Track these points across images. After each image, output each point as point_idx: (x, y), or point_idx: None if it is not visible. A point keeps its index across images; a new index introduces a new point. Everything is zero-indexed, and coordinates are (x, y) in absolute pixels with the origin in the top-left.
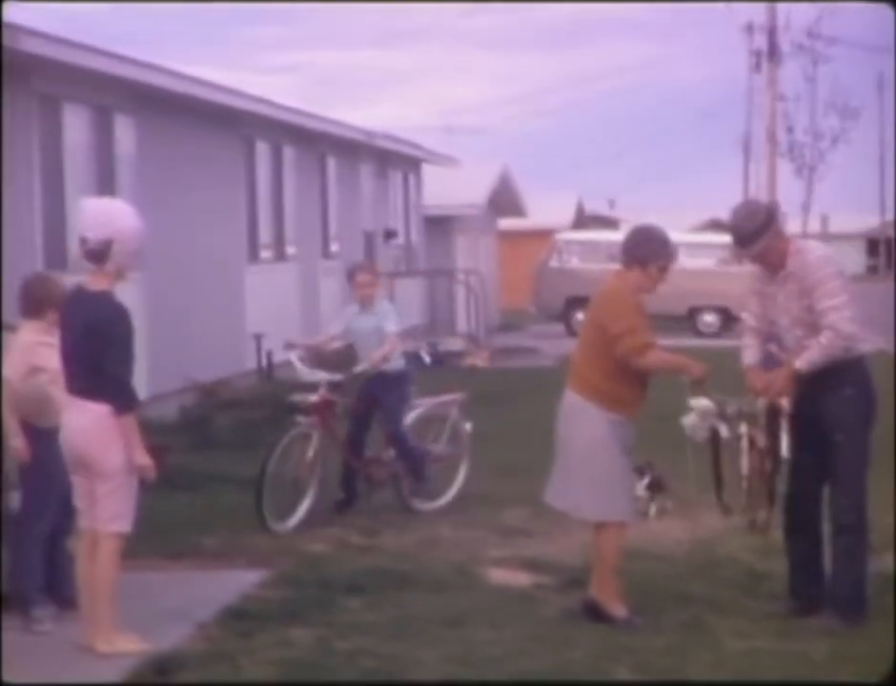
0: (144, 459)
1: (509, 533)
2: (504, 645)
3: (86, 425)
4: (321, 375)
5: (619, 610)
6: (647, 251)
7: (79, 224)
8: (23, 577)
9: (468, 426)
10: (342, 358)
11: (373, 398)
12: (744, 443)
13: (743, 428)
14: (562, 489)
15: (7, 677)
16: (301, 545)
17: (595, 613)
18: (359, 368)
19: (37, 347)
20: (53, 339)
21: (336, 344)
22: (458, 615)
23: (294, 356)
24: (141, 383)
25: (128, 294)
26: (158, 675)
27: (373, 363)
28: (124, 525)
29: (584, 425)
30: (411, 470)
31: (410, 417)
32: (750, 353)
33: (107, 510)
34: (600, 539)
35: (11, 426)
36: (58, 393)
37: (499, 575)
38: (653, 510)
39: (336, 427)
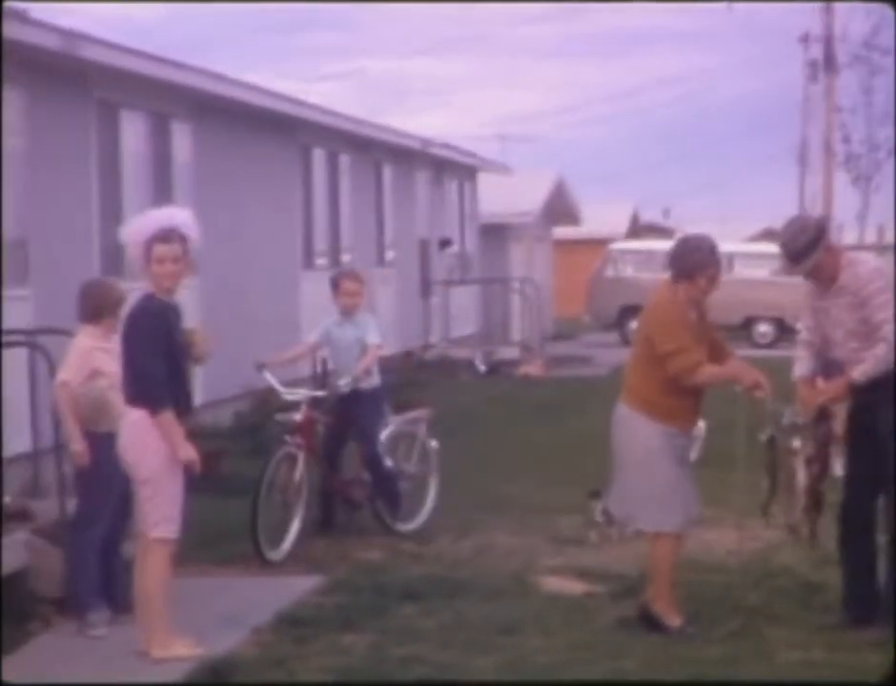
0: (188, 453)
1: (563, 541)
2: (557, 653)
3: (125, 431)
4: (302, 392)
5: (673, 620)
6: (695, 262)
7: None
8: (79, 581)
9: (434, 443)
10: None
11: (347, 415)
12: (800, 456)
13: (798, 441)
14: (619, 499)
15: (7, 678)
16: (356, 552)
17: (649, 622)
18: (343, 382)
19: (95, 352)
20: (111, 345)
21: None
22: (512, 622)
23: (269, 376)
24: (197, 389)
25: (183, 300)
26: (213, 679)
27: (356, 375)
28: (169, 530)
29: (637, 437)
30: (386, 490)
31: (383, 435)
32: (802, 365)
33: (150, 515)
34: (655, 550)
35: (72, 430)
36: (116, 398)
37: (553, 584)
38: (593, 537)
39: (318, 446)
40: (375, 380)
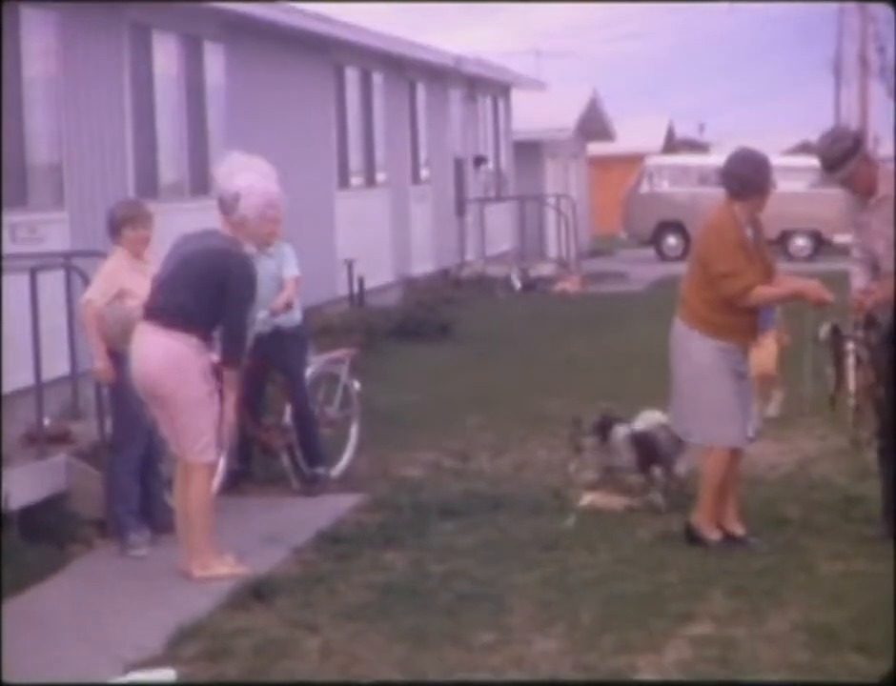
0: (231, 417)
1: None
2: (599, 568)
3: (163, 355)
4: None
5: (712, 533)
6: (749, 177)
7: (217, 174)
8: (117, 502)
9: (357, 385)
10: None
11: (267, 357)
12: (852, 360)
13: (850, 345)
14: (677, 415)
15: (6, 678)
16: (395, 469)
17: (690, 535)
18: (260, 316)
19: (124, 271)
20: (142, 264)
21: None
22: (553, 538)
23: None
24: None
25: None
26: (254, 598)
27: (274, 310)
28: (211, 454)
29: (691, 353)
30: (308, 436)
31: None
32: (857, 280)
33: (192, 439)
34: (706, 463)
35: (96, 348)
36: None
37: (594, 498)
38: (573, 467)
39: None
40: (297, 317)
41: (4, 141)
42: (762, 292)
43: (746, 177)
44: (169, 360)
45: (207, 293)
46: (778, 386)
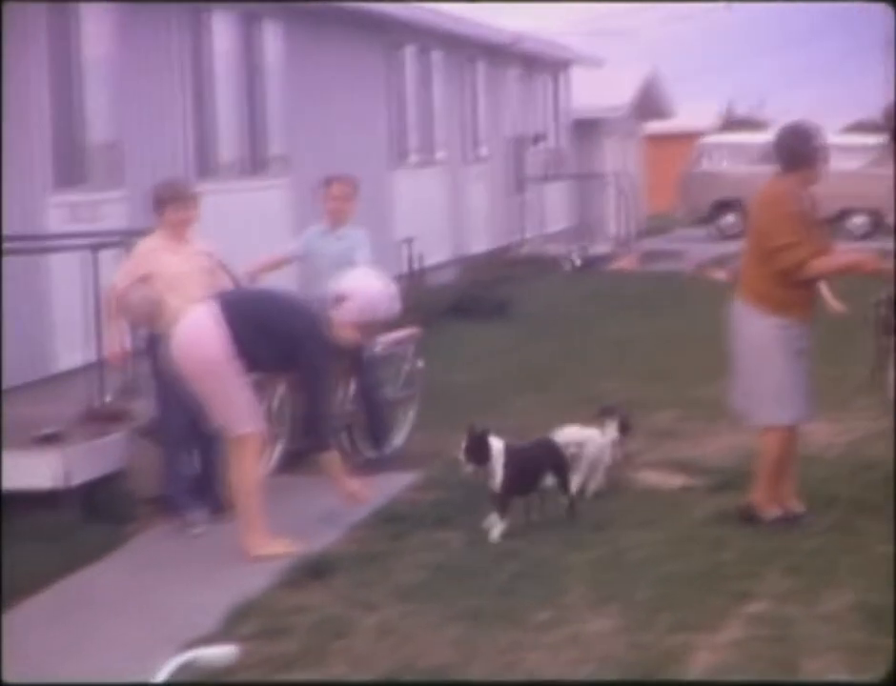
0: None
1: (660, 435)
2: (654, 547)
3: (190, 333)
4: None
5: (768, 512)
6: (802, 150)
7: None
8: (172, 481)
9: (421, 364)
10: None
11: None
12: None
13: None
14: (739, 394)
15: (6, 678)
16: (450, 449)
17: (746, 514)
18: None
19: (156, 253)
20: (181, 245)
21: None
22: (608, 517)
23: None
24: (291, 288)
25: (276, 199)
26: (311, 577)
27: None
28: (251, 425)
29: (749, 330)
30: (372, 417)
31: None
32: None
33: (232, 413)
34: (764, 442)
35: (111, 333)
36: (175, 299)
37: (649, 478)
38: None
39: None
40: None
41: (63, 120)
42: (819, 263)
43: (795, 148)
44: (198, 332)
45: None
46: None
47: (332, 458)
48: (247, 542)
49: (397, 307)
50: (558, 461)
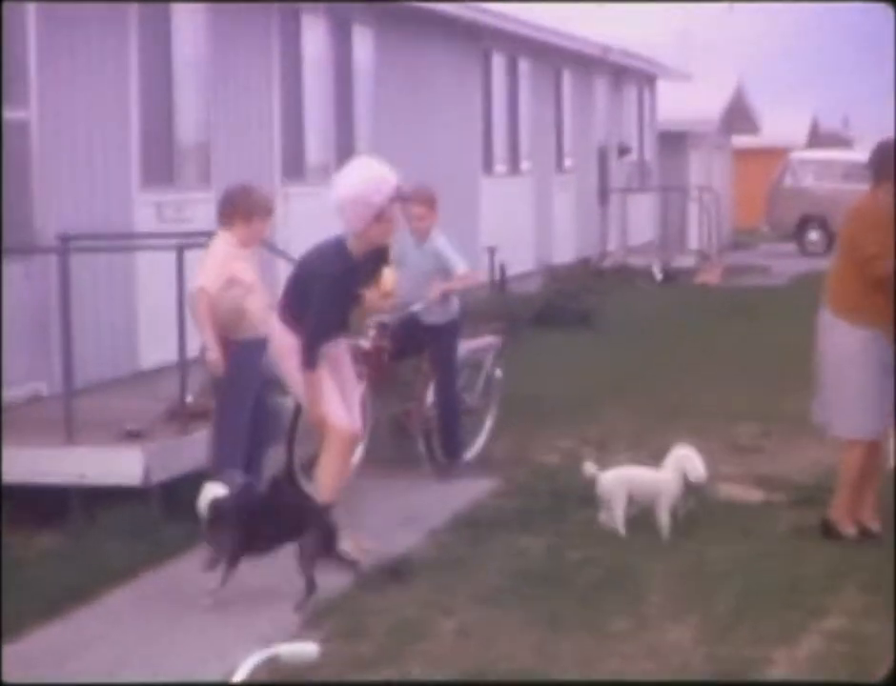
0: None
1: (741, 448)
2: (735, 561)
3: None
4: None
5: (847, 528)
6: (892, 164)
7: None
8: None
9: (499, 373)
10: None
11: (421, 347)
12: None
13: None
14: (821, 406)
15: (6, 678)
16: (533, 455)
17: (827, 530)
18: (417, 307)
19: (231, 258)
20: (248, 252)
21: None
22: (690, 528)
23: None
24: None
25: None
26: (390, 579)
27: (429, 301)
28: (350, 421)
29: (835, 341)
30: (450, 425)
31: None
32: None
33: (333, 407)
34: (846, 456)
35: (209, 338)
36: (253, 305)
37: (731, 491)
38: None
39: (387, 376)
40: (454, 309)
41: (153, 119)
42: None
43: (883, 162)
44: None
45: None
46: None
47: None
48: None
49: (393, 180)
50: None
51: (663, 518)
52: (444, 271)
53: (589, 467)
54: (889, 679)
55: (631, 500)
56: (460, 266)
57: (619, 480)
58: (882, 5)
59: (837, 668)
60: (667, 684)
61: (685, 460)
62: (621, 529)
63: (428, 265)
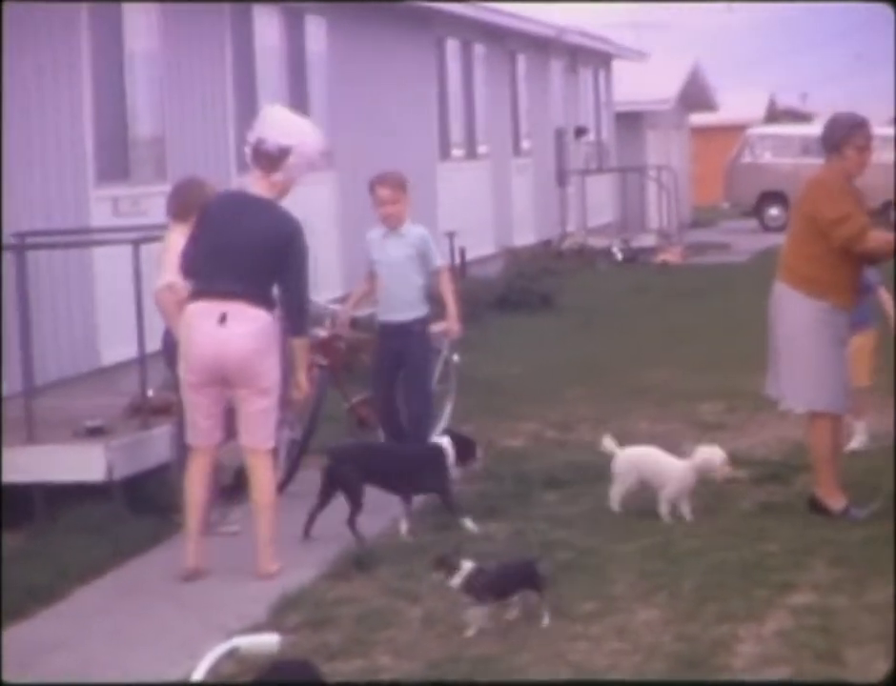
0: (303, 384)
1: (705, 426)
2: (701, 538)
3: (253, 333)
4: (332, 307)
5: (835, 503)
6: (840, 134)
7: (260, 126)
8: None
9: (456, 358)
10: None
11: (397, 353)
12: None
13: None
14: (774, 379)
15: (6, 678)
16: (497, 440)
17: (814, 507)
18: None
19: None
20: None
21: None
22: (654, 508)
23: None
24: (336, 281)
25: (320, 193)
26: (356, 568)
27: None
28: (272, 441)
29: (790, 314)
30: (419, 423)
31: None
32: None
33: (265, 427)
34: (811, 435)
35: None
36: None
37: None
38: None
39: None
40: (425, 309)
41: (106, 115)
42: (880, 235)
43: (830, 134)
44: (259, 341)
45: (270, 265)
46: (864, 410)
47: (303, 344)
48: (263, 561)
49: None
50: None
51: (663, 507)
52: (422, 257)
53: (608, 443)
54: (889, 679)
55: (644, 482)
56: (438, 260)
57: (630, 461)
58: (882, 5)
59: (805, 642)
60: (656, 683)
61: (707, 454)
62: (615, 505)
63: (407, 251)
